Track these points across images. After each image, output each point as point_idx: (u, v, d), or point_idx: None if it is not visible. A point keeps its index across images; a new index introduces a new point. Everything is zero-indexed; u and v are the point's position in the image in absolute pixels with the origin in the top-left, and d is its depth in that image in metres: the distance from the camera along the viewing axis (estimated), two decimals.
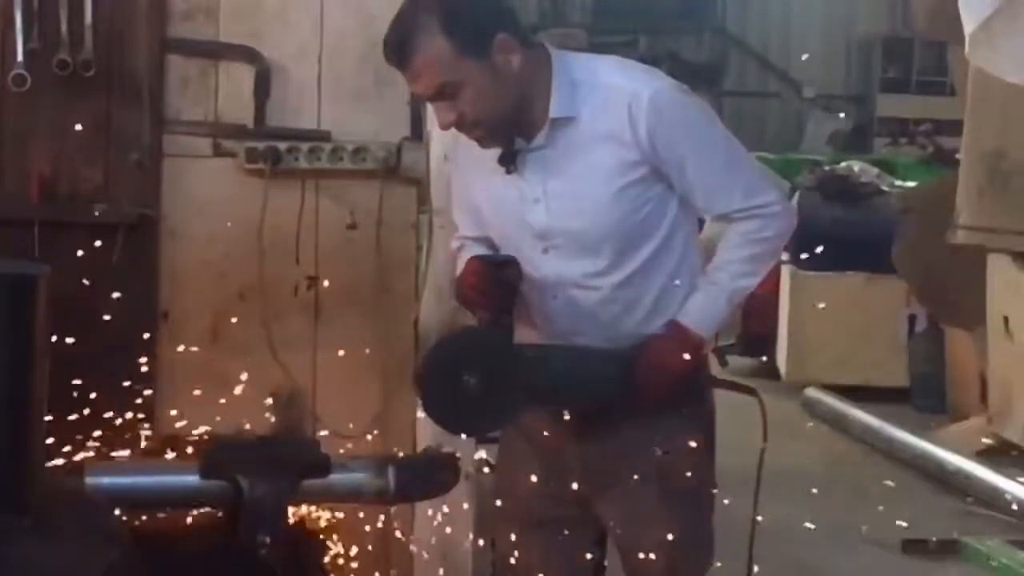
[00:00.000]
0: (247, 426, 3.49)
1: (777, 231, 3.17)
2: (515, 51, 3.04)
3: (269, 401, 4.24)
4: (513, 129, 3.10)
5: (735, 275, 3.16)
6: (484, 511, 4.14)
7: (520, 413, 3.14)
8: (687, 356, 3.13)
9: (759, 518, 3.29)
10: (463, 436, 3.43)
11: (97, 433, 3.58)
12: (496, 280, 3.10)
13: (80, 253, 4.15)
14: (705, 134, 3.14)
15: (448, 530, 4.26)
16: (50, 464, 2.72)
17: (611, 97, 3.07)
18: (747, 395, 3.32)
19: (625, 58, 3.28)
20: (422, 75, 3.03)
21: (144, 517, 2.96)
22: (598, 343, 3.14)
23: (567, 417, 3.21)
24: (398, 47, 3.04)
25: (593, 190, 3.09)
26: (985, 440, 7.70)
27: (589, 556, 3.42)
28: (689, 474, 3.22)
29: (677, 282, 3.18)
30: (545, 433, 3.25)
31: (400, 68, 3.08)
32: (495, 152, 3.14)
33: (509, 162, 3.13)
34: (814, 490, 6.96)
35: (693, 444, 3.23)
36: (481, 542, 4.01)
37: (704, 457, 3.27)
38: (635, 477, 3.20)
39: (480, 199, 3.26)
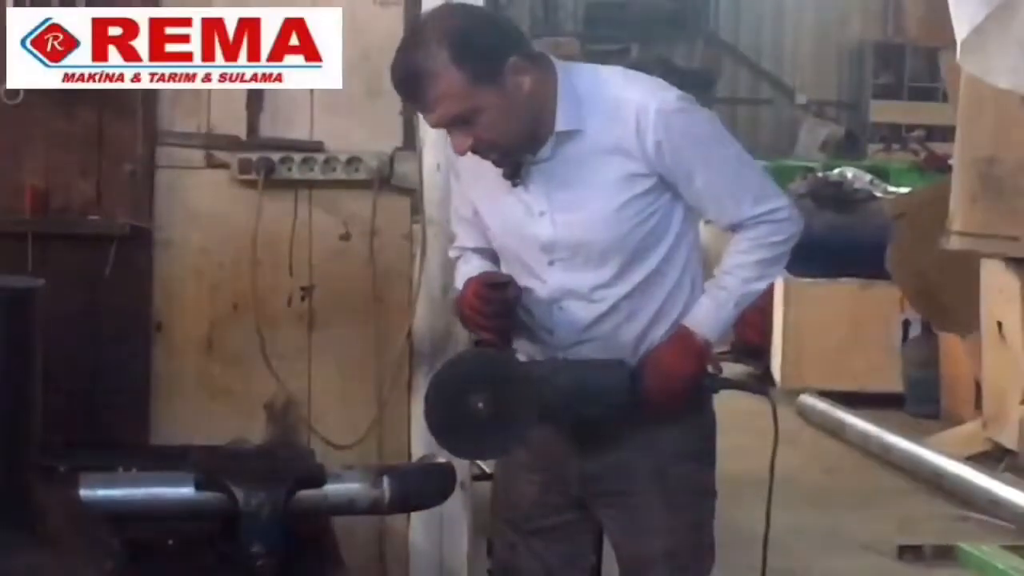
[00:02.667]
0: (242, 437, 3.49)
1: (787, 236, 3.16)
2: (526, 72, 3.01)
3: (263, 412, 4.23)
4: (527, 146, 3.09)
5: (745, 280, 3.14)
6: (480, 520, 4.14)
7: (529, 433, 3.11)
8: (695, 361, 3.13)
9: (756, 524, 3.29)
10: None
11: (92, 445, 3.58)
12: (497, 301, 3.10)
13: (73, 265, 4.15)
14: (713, 144, 3.14)
15: (444, 539, 4.26)
16: (45, 476, 2.72)
17: (617, 109, 3.05)
18: (759, 396, 3.32)
19: (625, 68, 3.27)
20: (436, 107, 2.99)
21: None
22: (599, 352, 3.13)
23: (568, 426, 3.21)
24: (409, 81, 3.00)
25: (599, 202, 3.08)
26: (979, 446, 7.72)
27: (586, 563, 3.42)
28: (690, 482, 3.22)
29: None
30: (544, 442, 3.25)
31: (412, 101, 3.06)
32: None
33: (514, 175, 3.12)
34: (809, 496, 6.97)
35: (694, 451, 3.23)
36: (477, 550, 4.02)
37: (704, 464, 3.27)
38: (635, 485, 3.19)
39: (484, 211, 3.24)
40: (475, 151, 3.04)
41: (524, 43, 3.09)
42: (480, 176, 3.17)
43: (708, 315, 3.15)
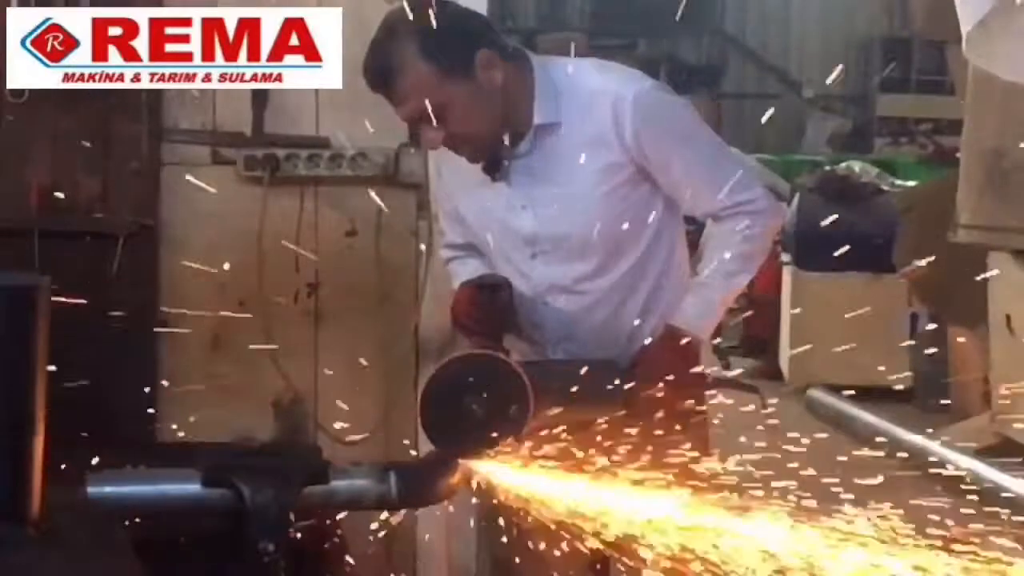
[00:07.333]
0: (249, 434, 3.49)
1: (765, 227, 3.16)
2: (497, 66, 3.03)
3: (270, 409, 4.24)
4: (500, 141, 3.09)
5: (727, 274, 3.15)
6: (486, 515, 4.14)
7: (523, 434, 3.11)
8: (685, 360, 3.12)
9: None
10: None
11: (98, 443, 3.58)
12: (489, 306, 3.11)
13: (79, 263, 4.15)
14: (690, 133, 3.15)
15: (452, 535, 4.25)
16: (51, 474, 2.72)
17: (594, 100, 3.07)
18: (750, 393, 3.31)
19: (606, 61, 3.27)
20: (406, 101, 3.02)
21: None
22: (590, 348, 3.13)
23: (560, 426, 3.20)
24: (379, 75, 3.02)
25: (580, 194, 3.09)
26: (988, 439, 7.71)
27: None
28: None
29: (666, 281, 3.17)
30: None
31: (383, 94, 3.07)
32: None
33: (494, 170, 3.13)
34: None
35: (687, 448, 3.22)
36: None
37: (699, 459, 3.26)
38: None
39: (465, 207, 3.26)
40: (448, 145, 3.07)
41: (495, 37, 3.10)
42: (460, 173, 3.18)
43: (695, 313, 3.15)
